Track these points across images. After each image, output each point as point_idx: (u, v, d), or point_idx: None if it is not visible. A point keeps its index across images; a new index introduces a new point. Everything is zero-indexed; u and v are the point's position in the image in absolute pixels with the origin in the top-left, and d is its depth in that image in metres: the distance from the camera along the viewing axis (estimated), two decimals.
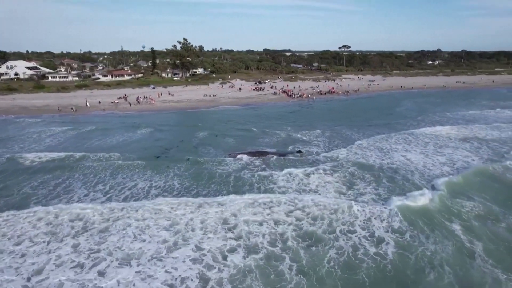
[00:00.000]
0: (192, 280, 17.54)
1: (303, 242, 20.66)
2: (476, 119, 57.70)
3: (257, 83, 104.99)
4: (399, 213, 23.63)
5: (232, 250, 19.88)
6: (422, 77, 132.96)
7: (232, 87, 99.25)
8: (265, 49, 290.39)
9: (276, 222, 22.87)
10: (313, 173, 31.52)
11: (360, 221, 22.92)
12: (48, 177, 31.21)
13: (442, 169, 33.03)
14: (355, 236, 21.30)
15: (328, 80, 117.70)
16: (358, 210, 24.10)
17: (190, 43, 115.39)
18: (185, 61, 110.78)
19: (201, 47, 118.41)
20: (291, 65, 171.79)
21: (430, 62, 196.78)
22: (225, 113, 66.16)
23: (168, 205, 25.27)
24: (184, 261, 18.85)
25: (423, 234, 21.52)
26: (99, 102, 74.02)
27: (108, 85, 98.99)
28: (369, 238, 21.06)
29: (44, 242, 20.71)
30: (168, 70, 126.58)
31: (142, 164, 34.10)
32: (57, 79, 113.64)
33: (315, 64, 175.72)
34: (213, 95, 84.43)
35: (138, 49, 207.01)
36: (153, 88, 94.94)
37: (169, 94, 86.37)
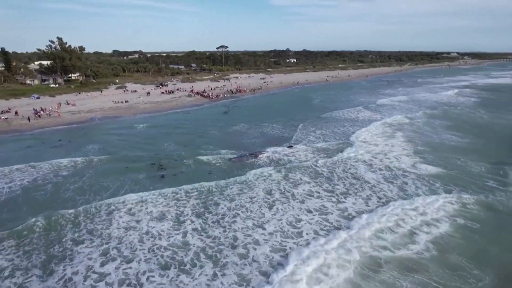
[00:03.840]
0: None
1: None
2: (374, 103, 74.79)
3: (161, 86, 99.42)
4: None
5: None
6: (298, 73, 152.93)
7: (135, 91, 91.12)
8: (114, 51, 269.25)
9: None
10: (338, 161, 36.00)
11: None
12: None
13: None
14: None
15: (223, 79, 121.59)
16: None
17: (66, 43, 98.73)
18: (67, 65, 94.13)
19: (81, 48, 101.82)
20: (170, 66, 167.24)
21: (288, 60, 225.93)
22: (160, 119, 61.63)
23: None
24: None
25: None
26: None
27: None
28: None
29: None
30: (34, 75, 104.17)
31: (151, 174, 30.92)
32: None
33: (194, 65, 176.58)
34: (126, 101, 76.27)
35: None
36: (38, 98, 77.73)
37: (67, 103, 73.10)
